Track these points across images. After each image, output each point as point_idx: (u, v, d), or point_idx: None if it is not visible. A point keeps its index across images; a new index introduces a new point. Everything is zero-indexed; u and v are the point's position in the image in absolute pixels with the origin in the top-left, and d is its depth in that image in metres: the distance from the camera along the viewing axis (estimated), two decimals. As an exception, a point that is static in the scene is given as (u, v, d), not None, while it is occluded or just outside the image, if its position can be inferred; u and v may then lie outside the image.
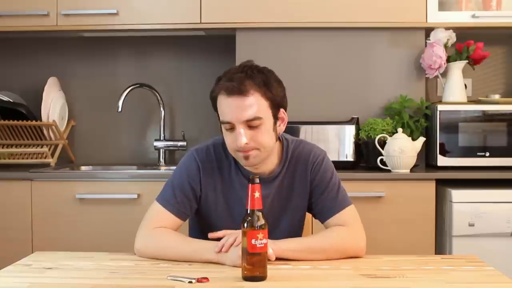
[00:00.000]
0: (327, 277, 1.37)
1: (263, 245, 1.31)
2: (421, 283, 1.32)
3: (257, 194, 1.31)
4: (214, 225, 1.63)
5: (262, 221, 1.31)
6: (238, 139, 1.51)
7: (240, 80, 1.51)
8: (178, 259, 1.50)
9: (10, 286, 1.29)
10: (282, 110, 1.59)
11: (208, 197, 1.65)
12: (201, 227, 1.69)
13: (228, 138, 1.55)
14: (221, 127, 1.58)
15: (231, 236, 1.46)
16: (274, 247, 1.46)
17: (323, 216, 1.66)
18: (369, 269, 1.42)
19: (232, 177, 1.64)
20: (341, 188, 1.69)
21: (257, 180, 1.32)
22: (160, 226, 1.59)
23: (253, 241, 1.30)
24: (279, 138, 1.65)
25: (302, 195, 1.67)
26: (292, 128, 2.67)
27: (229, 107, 1.51)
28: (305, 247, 1.52)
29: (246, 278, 1.32)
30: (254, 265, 1.31)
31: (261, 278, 1.32)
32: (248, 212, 1.32)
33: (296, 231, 1.70)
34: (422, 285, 1.31)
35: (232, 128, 1.52)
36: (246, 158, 1.54)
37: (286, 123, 1.63)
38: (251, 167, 1.59)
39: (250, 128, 1.51)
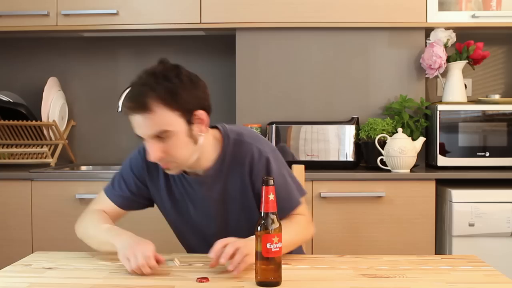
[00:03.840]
0: (327, 277, 1.36)
1: (278, 249, 1.27)
2: (421, 283, 1.32)
3: (271, 197, 1.27)
4: (169, 222, 1.72)
5: (276, 224, 1.27)
6: (148, 153, 1.49)
7: (140, 96, 1.43)
8: (96, 244, 1.57)
9: (10, 286, 1.29)
10: (198, 112, 1.49)
11: (155, 195, 1.67)
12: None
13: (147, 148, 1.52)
14: None
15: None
16: (249, 249, 1.37)
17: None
18: (369, 269, 1.42)
19: (174, 175, 1.62)
20: (288, 188, 1.61)
21: (272, 182, 1.27)
22: (99, 209, 1.66)
23: (268, 245, 1.26)
24: (221, 133, 1.60)
25: (245, 196, 1.60)
26: (292, 128, 2.68)
27: (134, 123, 1.47)
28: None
29: (260, 283, 1.28)
30: (268, 269, 1.27)
31: (276, 283, 1.28)
32: (262, 215, 1.27)
33: (247, 231, 1.55)
34: (422, 285, 1.31)
35: (145, 140, 1.49)
36: (167, 169, 1.55)
37: (208, 122, 1.53)
38: (196, 168, 1.58)
39: (161, 140, 1.46)
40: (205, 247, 1.48)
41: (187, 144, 1.48)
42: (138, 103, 1.43)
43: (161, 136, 1.45)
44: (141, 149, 1.66)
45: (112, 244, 1.47)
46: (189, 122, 1.47)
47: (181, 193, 1.63)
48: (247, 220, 1.59)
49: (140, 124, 1.45)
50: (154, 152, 1.47)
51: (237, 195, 1.60)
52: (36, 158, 2.82)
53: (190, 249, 1.74)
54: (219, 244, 1.37)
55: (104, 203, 1.68)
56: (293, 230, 1.53)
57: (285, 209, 1.57)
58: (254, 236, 1.30)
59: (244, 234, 1.44)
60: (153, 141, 1.46)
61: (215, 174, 1.58)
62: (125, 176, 1.68)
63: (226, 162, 1.58)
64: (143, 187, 1.67)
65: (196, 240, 1.69)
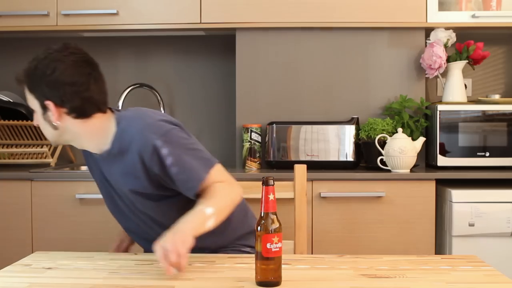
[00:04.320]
0: (326, 277, 1.36)
1: (278, 249, 1.27)
2: (421, 283, 1.32)
3: (271, 197, 1.27)
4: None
5: (276, 224, 1.27)
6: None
7: (20, 71, 1.59)
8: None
9: (10, 286, 1.29)
10: (47, 102, 1.54)
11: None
12: None
13: None
14: None
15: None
16: (183, 236, 1.39)
17: (188, 195, 1.57)
18: (369, 269, 1.42)
19: (89, 156, 1.71)
20: (187, 168, 1.55)
21: (272, 182, 1.28)
22: None
23: (268, 245, 1.26)
24: (115, 117, 1.63)
25: (146, 182, 1.58)
26: (292, 128, 2.68)
27: None
28: (206, 216, 1.47)
29: (260, 283, 1.28)
30: (268, 269, 1.27)
31: (276, 283, 1.28)
32: (262, 215, 1.28)
33: (166, 214, 1.63)
34: (422, 285, 1.31)
35: None
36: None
37: (61, 112, 1.56)
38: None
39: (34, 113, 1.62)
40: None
41: (44, 125, 1.60)
42: (16, 76, 1.61)
43: (31, 110, 1.63)
44: None
45: None
46: (43, 107, 1.57)
47: (94, 174, 1.75)
48: (142, 205, 1.63)
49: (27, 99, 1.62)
50: (35, 120, 1.64)
51: (142, 181, 1.58)
52: (36, 158, 2.82)
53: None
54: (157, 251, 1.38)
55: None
56: (211, 202, 1.51)
57: (189, 190, 1.55)
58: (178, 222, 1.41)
59: (141, 220, 1.65)
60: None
61: (108, 157, 1.63)
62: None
63: (116, 149, 1.60)
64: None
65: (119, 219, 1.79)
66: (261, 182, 1.29)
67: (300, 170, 1.88)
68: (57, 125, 1.57)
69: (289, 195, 1.88)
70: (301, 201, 1.87)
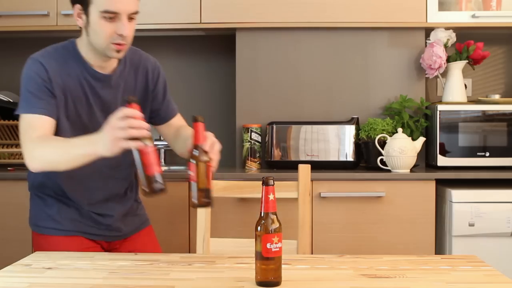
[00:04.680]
0: (326, 277, 1.36)
1: (278, 249, 1.27)
2: (421, 283, 1.32)
3: (271, 197, 1.27)
4: (64, 129, 1.65)
5: (276, 224, 1.27)
6: (123, 30, 1.58)
7: None
8: (63, 160, 1.50)
9: (10, 286, 1.29)
10: None
11: (59, 99, 1.64)
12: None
13: (106, 28, 1.58)
14: (87, 17, 1.60)
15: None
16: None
17: (164, 118, 1.85)
18: (369, 269, 1.42)
19: (81, 78, 1.67)
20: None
21: (272, 182, 1.28)
22: (41, 133, 1.57)
23: (268, 245, 1.26)
24: None
25: (145, 101, 1.77)
26: (292, 128, 2.68)
27: None
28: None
29: (260, 283, 1.28)
30: (268, 269, 1.27)
31: (276, 283, 1.28)
32: (262, 215, 1.28)
33: None
34: (422, 285, 1.31)
35: (113, 18, 1.57)
36: (119, 50, 1.62)
37: None
38: (99, 65, 1.67)
39: (130, 20, 1.60)
40: None
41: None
42: None
43: (133, 16, 1.61)
44: (36, 57, 1.64)
45: (88, 154, 1.46)
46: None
47: (86, 95, 1.67)
48: None
49: None
50: (130, 30, 1.61)
51: (141, 99, 1.74)
52: (36, 158, 2.82)
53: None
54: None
55: (37, 124, 1.57)
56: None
57: (171, 112, 1.87)
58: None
59: None
60: (127, 19, 1.59)
61: (122, 75, 1.71)
62: (38, 88, 1.60)
63: (130, 66, 1.74)
64: (53, 91, 1.62)
65: None
66: (261, 182, 1.29)
67: (304, 170, 1.88)
68: None
69: (293, 195, 1.88)
70: (305, 201, 1.87)
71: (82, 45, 1.68)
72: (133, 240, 1.84)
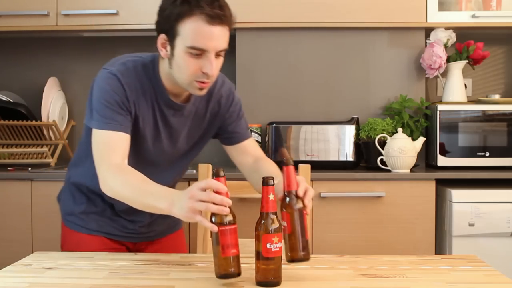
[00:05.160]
0: (326, 277, 1.36)
1: (278, 249, 1.27)
2: (421, 283, 1.32)
3: (271, 197, 1.27)
4: (140, 150, 1.60)
5: (276, 224, 1.27)
6: (210, 69, 1.46)
7: (228, 9, 1.48)
8: (136, 203, 1.44)
9: (10, 286, 1.29)
10: None
11: (136, 120, 1.58)
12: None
13: (191, 64, 1.47)
14: (172, 49, 1.49)
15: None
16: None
17: (233, 139, 1.75)
18: (369, 269, 1.42)
19: (154, 101, 1.59)
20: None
21: (272, 182, 1.27)
22: (119, 155, 1.50)
23: (268, 245, 1.26)
24: None
25: (213, 125, 1.72)
26: (292, 128, 2.68)
27: (209, 34, 1.44)
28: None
29: (260, 283, 1.28)
30: (269, 270, 1.27)
31: (276, 283, 1.28)
32: (263, 215, 1.27)
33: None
34: (422, 285, 1.31)
35: (200, 54, 1.46)
36: (202, 88, 1.51)
37: None
38: (174, 93, 1.60)
39: (217, 57, 1.49)
40: None
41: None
42: (228, 15, 1.47)
43: (220, 54, 1.50)
44: (115, 72, 1.57)
45: (161, 209, 1.38)
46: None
47: (162, 120, 1.62)
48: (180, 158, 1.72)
49: (216, 36, 1.46)
50: (216, 68, 1.50)
51: (211, 124, 1.72)
52: (36, 158, 2.82)
53: None
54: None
55: (115, 144, 1.50)
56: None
57: (246, 135, 1.76)
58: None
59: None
60: (214, 56, 1.47)
61: (192, 102, 1.64)
62: (112, 102, 1.53)
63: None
64: (130, 109, 1.56)
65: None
66: (260, 182, 1.29)
67: (304, 170, 1.88)
68: None
69: None
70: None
71: (163, 70, 1.58)
72: (161, 243, 1.80)
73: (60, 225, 1.80)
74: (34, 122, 2.82)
